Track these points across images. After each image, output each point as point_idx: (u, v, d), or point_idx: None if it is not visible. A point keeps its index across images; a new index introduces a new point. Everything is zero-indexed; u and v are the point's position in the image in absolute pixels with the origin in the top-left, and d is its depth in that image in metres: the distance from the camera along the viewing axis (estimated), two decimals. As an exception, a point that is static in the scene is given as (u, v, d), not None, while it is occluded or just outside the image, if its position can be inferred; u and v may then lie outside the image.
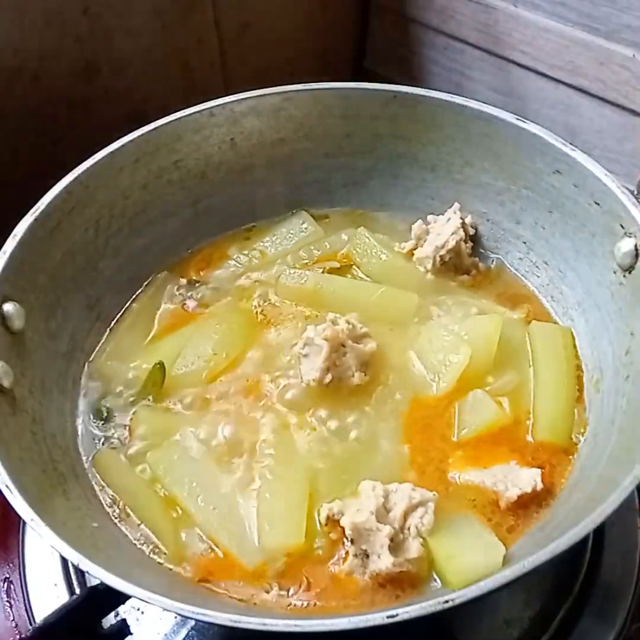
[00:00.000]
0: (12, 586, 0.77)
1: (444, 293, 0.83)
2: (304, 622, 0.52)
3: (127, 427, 0.75)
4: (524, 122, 0.80)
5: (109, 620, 0.70)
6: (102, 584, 0.54)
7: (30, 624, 0.74)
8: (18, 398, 0.68)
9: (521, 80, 1.11)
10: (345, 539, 0.64)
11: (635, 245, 0.70)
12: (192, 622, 0.72)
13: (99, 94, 1.02)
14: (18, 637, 0.62)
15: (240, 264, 0.88)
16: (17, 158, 0.97)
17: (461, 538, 0.64)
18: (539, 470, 0.67)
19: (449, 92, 0.84)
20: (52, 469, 0.68)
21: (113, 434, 0.74)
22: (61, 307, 0.78)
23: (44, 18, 0.92)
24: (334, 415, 0.72)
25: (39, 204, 0.75)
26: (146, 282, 0.87)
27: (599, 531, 0.76)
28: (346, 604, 0.62)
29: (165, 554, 0.66)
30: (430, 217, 0.87)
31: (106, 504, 0.70)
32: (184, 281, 0.86)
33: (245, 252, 0.89)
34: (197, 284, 0.86)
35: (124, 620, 0.70)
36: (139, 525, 0.68)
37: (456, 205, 0.87)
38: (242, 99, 0.85)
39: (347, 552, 0.64)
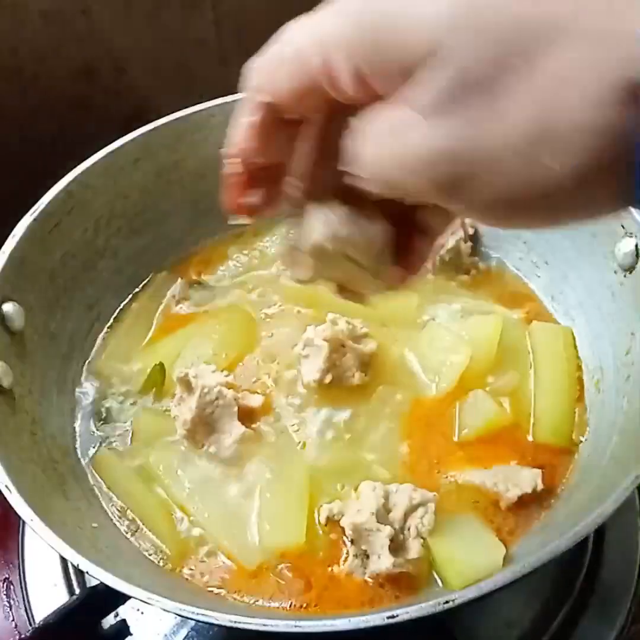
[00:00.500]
0: (12, 586, 0.77)
1: (444, 293, 0.83)
2: (304, 622, 0.52)
3: (127, 428, 0.75)
4: (525, 122, 0.80)
5: (109, 620, 0.70)
6: (102, 584, 0.54)
7: (30, 624, 0.74)
8: (18, 398, 0.68)
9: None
10: (345, 539, 0.64)
11: (636, 245, 0.70)
12: (192, 623, 0.72)
13: (99, 94, 1.02)
14: (18, 637, 0.62)
15: (240, 264, 0.88)
16: (17, 158, 0.97)
17: (462, 538, 0.64)
18: (539, 471, 0.67)
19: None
20: (52, 469, 0.68)
21: (113, 434, 0.74)
22: (61, 307, 0.78)
23: (43, 18, 0.92)
24: (334, 416, 0.72)
25: (38, 204, 0.75)
26: (146, 282, 0.87)
27: (599, 531, 0.76)
28: (347, 605, 0.62)
29: (165, 554, 0.66)
30: (430, 217, 0.87)
31: (106, 504, 0.70)
32: (183, 281, 0.86)
33: (245, 252, 0.89)
34: (196, 284, 0.86)
35: (124, 620, 0.70)
36: (138, 525, 0.68)
37: (456, 205, 0.86)
38: (242, 99, 0.85)
39: (347, 553, 0.64)
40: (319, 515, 0.66)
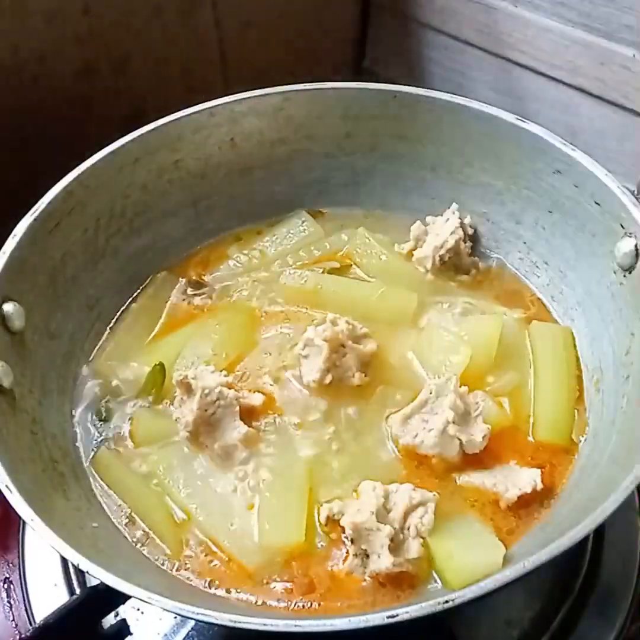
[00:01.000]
0: (12, 586, 0.77)
1: (444, 293, 0.83)
2: (304, 622, 0.52)
3: (127, 428, 0.75)
4: (524, 122, 0.80)
5: (109, 620, 0.70)
6: (102, 584, 0.54)
7: (30, 624, 0.74)
8: (18, 398, 0.68)
9: (521, 80, 1.11)
10: (345, 539, 0.64)
11: (636, 245, 0.70)
12: (192, 622, 0.72)
13: (99, 94, 1.02)
14: (18, 637, 0.62)
15: (240, 264, 0.88)
16: (17, 158, 0.97)
17: (461, 538, 0.64)
18: (539, 471, 0.67)
19: (449, 92, 0.84)
20: (52, 469, 0.68)
21: (113, 434, 0.74)
22: (61, 307, 0.78)
23: (44, 18, 0.92)
24: (334, 416, 0.72)
25: (38, 204, 0.75)
26: (146, 282, 0.87)
27: (599, 531, 0.76)
28: (347, 604, 0.62)
29: (165, 554, 0.66)
30: (428, 218, 0.87)
31: (106, 504, 0.70)
32: (183, 281, 0.86)
33: (245, 252, 0.89)
34: (196, 284, 0.86)
35: (124, 620, 0.70)
36: (138, 525, 0.68)
37: (454, 205, 0.87)
38: (242, 99, 0.85)
39: (347, 552, 0.64)
40: (318, 515, 0.66)
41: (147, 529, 0.68)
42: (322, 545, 0.65)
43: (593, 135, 1.05)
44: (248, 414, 0.72)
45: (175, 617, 0.72)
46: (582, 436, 0.72)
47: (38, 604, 0.76)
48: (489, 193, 0.86)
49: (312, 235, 0.89)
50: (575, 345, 0.78)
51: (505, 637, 0.71)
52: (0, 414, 0.65)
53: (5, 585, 0.77)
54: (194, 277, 0.87)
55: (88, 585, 0.74)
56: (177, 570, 0.65)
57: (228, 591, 0.64)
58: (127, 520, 0.68)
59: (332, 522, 0.65)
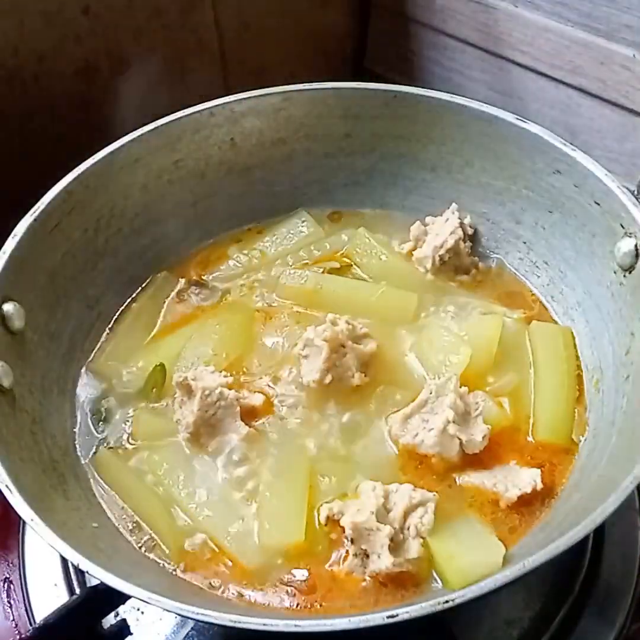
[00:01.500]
0: (12, 586, 0.77)
1: (444, 293, 0.83)
2: (304, 622, 0.52)
3: (127, 428, 0.75)
4: (524, 122, 0.80)
5: (109, 620, 0.70)
6: (102, 584, 0.54)
7: (30, 624, 0.74)
8: (18, 398, 0.68)
9: (521, 80, 1.11)
10: (345, 539, 0.64)
11: (636, 245, 0.70)
12: (192, 622, 0.72)
13: (99, 94, 1.02)
14: (18, 637, 0.62)
15: (240, 264, 0.88)
16: (17, 158, 0.97)
17: (461, 538, 0.64)
18: (538, 471, 0.67)
19: (449, 92, 0.84)
20: (52, 469, 0.68)
21: (113, 434, 0.74)
22: (61, 307, 0.78)
23: (44, 18, 0.92)
24: (334, 416, 0.72)
25: (39, 204, 0.75)
26: (146, 282, 0.87)
27: (599, 531, 0.76)
28: (349, 604, 0.62)
29: (165, 553, 0.66)
30: (428, 219, 0.87)
31: (106, 504, 0.70)
32: (183, 281, 0.86)
33: (245, 252, 0.89)
34: (196, 284, 0.86)
35: (124, 620, 0.70)
36: (138, 525, 0.68)
37: (454, 205, 0.87)
38: (242, 99, 0.86)
39: (347, 552, 0.64)
40: (318, 515, 0.66)
41: (147, 529, 0.68)
42: (322, 545, 0.65)
43: (593, 135, 1.05)
44: (248, 414, 0.72)
45: (176, 617, 0.72)
46: (582, 436, 0.72)
47: (38, 604, 0.76)
48: (489, 193, 0.86)
49: (312, 235, 0.89)
50: (575, 345, 0.78)
51: (505, 637, 0.71)
52: (0, 414, 0.65)
53: (5, 585, 0.77)
54: (194, 277, 0.87)
55: (88, 585, 0.74)
56: (177, 570, 0.65)
57: (228, 591, 0.64)
58: (127, 520, 0.68)
59: (332, 522, 0.65)
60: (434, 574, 0.63)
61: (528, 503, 0.66)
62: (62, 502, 0.66)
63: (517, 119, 0.80)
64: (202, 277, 0.87)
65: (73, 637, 0.63)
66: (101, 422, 0.75)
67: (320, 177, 0.92)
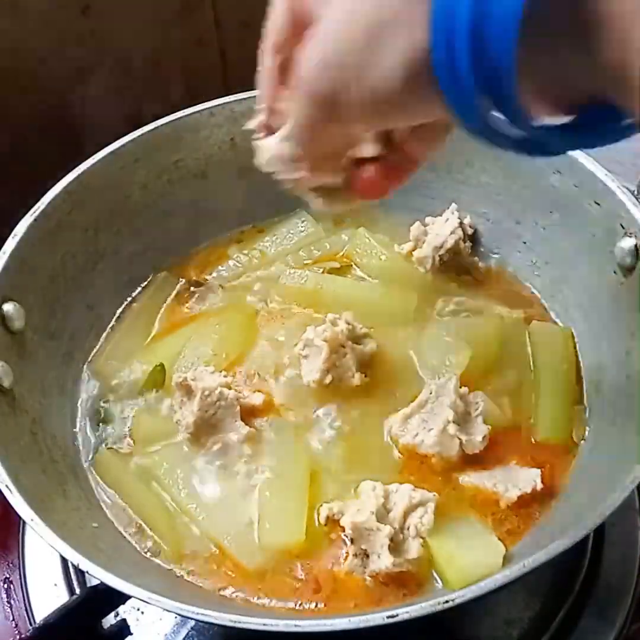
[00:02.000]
0: (12, 586, 0.77)
1: (444, 293, 0.83)
2: (304, 622, 0.52)
3: (127, 428, 0.75)
4: (524, 122, 0.80)
5: (109, 620, 0.70)
6: (102, 584, 0.54)
7: (30, 624, 0.74)
8: (18, 398, 0.68)
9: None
10: (345, 539, 0.64)
11: (636, 245, 0.70)
12: (192, 622, 0.72)
13: (99, 94, 1.02)
14: (18, 637, 0.62)
15: (240, 264, 0.88)
16: (17, 158, 0.97)
17: (461, 538, 0.64)
18: (538, 471, 0.67)
19: (449, 92, 0.84)
20: (52, 469, 0.68)
21: (113, 434, 0.74)
22: (61, 307, 0.78)
23: (43, 18, 0.92)
24: (334, 416, 0.72)
25: (39, 204, 0.75)
26: (146, 282, 0.87)
27: (599, 531, 0.76)
28: (352, 604, 0.62)
29: (165, 553, 0.66)
30: (428, 219, 0.87)
31: (106, 504, 0.70)
32: (183, 281, 0.86)
33: (245, 252, 0.89)
34: (197, 284, 0.86)
35: (124, 620, 0.70)
36: (138, 525, 0.68)
37: (454, 205, 0.87)
38: (242, 99, 0.85)
39: (347, 552, 0.64)
40: (318, 515, 0.66)
41: (147, 529, 0.68)
42: (322, 545, 0.65)
43: (593, 135, 1.05)
44: (248, 414, 0.72)
45: (176, 617, 0.72)
46: (582, 436, 0.71)
47: (38, 604, 0.76)
48: (489, 193, 0.86)
49: (312, 235, 0.89)
50: (575, 345, 0.78)
51: (505, 637, 0.71)
52: (0, 414, 0.65)
53: (5, 585, 0.77)
54: (194, 277, 0.87)
55: (88, 585, 0.74)
56: (176, 569, 0.65)
57: (228, 591, 0.64)
58: (127, 520, 0.68)
59: (332, 522, 0.65)
60: (434, 574, 0.63)
61: (528, 503, 0.66)
62: (62, 502, 0.66)
63: (517, 119, 0.80)
64: (202, 277, 0.87)
65: (73, 637, 0.63)
66: (101, 422, 0.75)
67: (320, 177, 0.91)
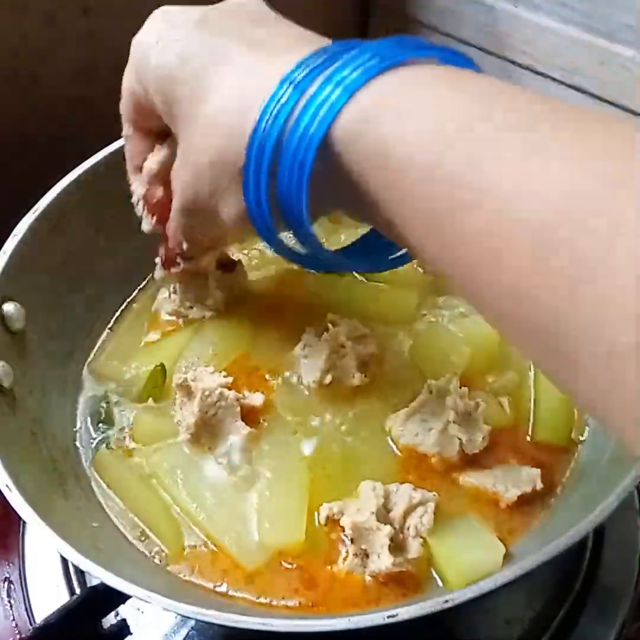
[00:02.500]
0: (12, 586, 0.77)
1: (444, 293, 0.83)
2: (304, 622, 0.52)
3: (127, 428, 0.75)
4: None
5: (109, 620, 0.70)
6: (102, 584, 0.54)
7: (30, 624, 0.74)
8: (18, 398, 0.68)
9: (521, 80, 1.11)
10: (345, 539, 0.64)
11: (635, 245, 0.70)
12: (192, 622, 0.73)
13: (99, 94, 1.02)
14: (18, 637, 0.62)
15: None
16: (17, 158, 0.97)
17: (461, 538, 0.64)
18: (538, 470, 0.67)
19: (449, 92, 0.84)
20: (52, 469, 0.68)
21: (113, 434, 0.74)
22: (61, 307, 0.78)
23: (43, 18, 0.92)
24: (334, 416, 0.72)
25: (39, 203, 0.75)
26: (146, 282, 0.87)
27: (599, 531, 0.76)
28: (349, 604, 0.62)
29: (165, 554, 0.66)
30: (429, 218, 0.87)
31: (106, 504, 0.70)
32: (183, 281, 0.86)
33: (245, 252, 0.89)
34: (197, 284, 0.86)
35: (124, 620, 0.70)
36: (139, 525, 0.68)
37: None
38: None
39: (347, 552, 0.64)
40: (318, 515, 0.66)
41: (147, 529, 0.68)
42: (321, 544, 0.65)
43: (593, 135, 1.05)
44: (249, 414, 0.72)
45: (176, 617, 0.73)
46: (582, 436, 0.72)
47: (38, 604, 0.76)
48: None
49: (312, 236, 0.89)
50: (575, 345, 0.78)
51: (505, 637, 0.71)
52: (0, 414, 0.65)
53: (6, 585, 0.77)
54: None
55: (88, 584, 0.74)
56: (177, 569, 0.65)
57: (228, 590, 0.64)
58: (127, 520, 0.69)
59: (332, 522, 0.65)
60: (434, 574, 0.63)
61: (528, 503, 0.66)
62: (62, 502, 0.66)
63: (517, 119, 0.80)
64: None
65: (73, 637, 0.63)
66: (101, 422, 0.75)
67: (320, 177, 0.91)
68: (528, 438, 0.72)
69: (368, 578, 0.63)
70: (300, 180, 0.46)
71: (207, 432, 0.70)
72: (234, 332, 0.80)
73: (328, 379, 0.72)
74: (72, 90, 1.00)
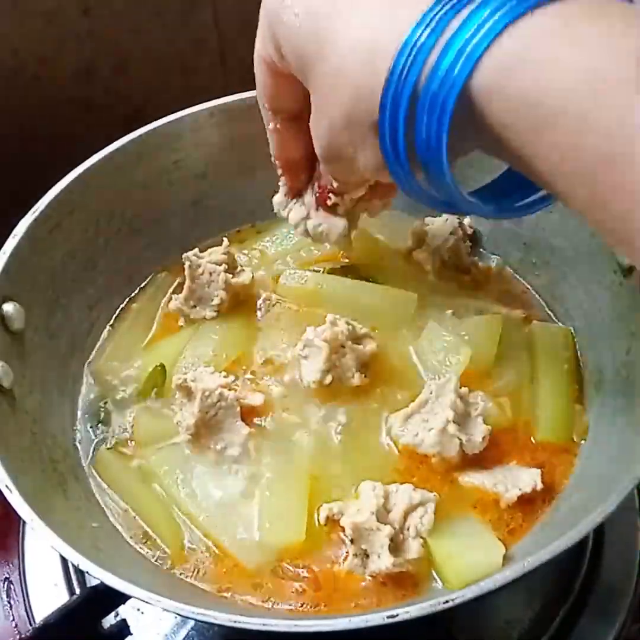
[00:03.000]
0: (12, 586, 0.77)
1: (443, 293, 0.83)
2: (304, 622, 0.52)
3: (127, 428, 0.75)
4: (524, 122, 0.80)
5: (109, 620, 0.70)
6: (102, 584, 0.54)
7: (30, 624, 0.74)
8: (18, 398, 0.68)
9: None
10: (345, 539, 0.64)
11: (636, 245, 0.70)
12: (192, 622, 0.73)
13: (99, 94, 1.02)
14: (18, 637, 0.62)
15: (240, 264, 0.88)
16: (17, 158, 0.97)
17: (461, 538, 0.64)
18: (538, 471, 0.67)
19: (449, 92, 0.84)
20: (52, 469, 0.68)
21: (113, 434, 0.74)
22: (61, 307, 0.78)
23: (44, 18, 0.92)
24: (334, 416, 0.72)
25: (39, 203, 0.75)
26: (146, 282, 0.87)
27: (599, 531, 0.76)
28: (353, 604, 0.62)
29: (165, 554, 0.66)
30: (428, 219, 0.87)
31: (106, 504, 0.70)
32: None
33: (245, 252, 0.89)
34: (197, 284, 0.86)
35: (124, 620, 0.70)
36: (139, 525, 0.68)
37: (454, 205, 0.86)
38: (242, 99, 0.85)
39: (347, 552, 0.64)
40: (318, 515, 0.66)
41: (147, 529, 0.68)
42: (322, 544, 0.65)
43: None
44: (249, 415, 0.72)
45: (176, 617, 0.73)
46: (582, 436, 0.72)
47: (38, 604, 0.76)
48: (489, 193, 0.86)
49: (312, 236, 0.89)
50: (575, 345, 0.78)
51: (505, 637, 0.71)
52: (0, 414, 0.65)
53: (5, 585, 0.77)
54: (194, 277, 0.87)
55: (88, 584, 0.74)
56: (177, 570, 0.65)
57: (228, 591, 0.64)
58: (127, 520, 0.68)
59: (332, 522, 0.65)
60: (434, 574, 0.63)
61: (528, 503, 0.66)
62: (62, 502, 0.66)
63: (517, 119, 0.80)
64: (202, 277, 0.87)
65: (73, 637, 0.63)
66: (101, 423, 0.75)
67: (320, 177, 0.91)
68: (528, 438, 0.72)
69: (368, 578, 0.63)
70: (440, 127, 0.45)
71: (207, 432, 0.70)
72: (234, 332, 0.80)
73: (328, 379, 0.72)
74: (72, 90, 1.00)
